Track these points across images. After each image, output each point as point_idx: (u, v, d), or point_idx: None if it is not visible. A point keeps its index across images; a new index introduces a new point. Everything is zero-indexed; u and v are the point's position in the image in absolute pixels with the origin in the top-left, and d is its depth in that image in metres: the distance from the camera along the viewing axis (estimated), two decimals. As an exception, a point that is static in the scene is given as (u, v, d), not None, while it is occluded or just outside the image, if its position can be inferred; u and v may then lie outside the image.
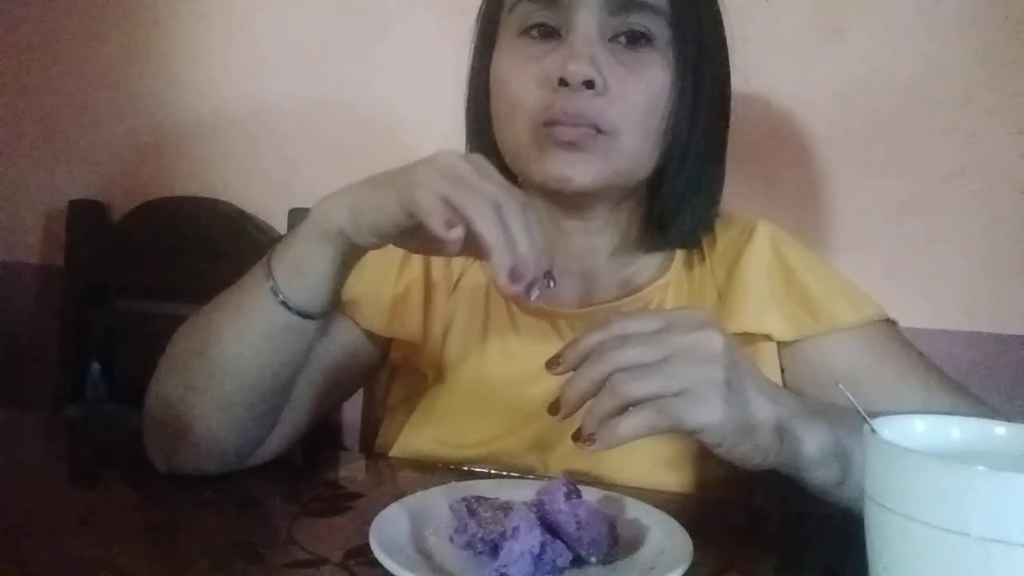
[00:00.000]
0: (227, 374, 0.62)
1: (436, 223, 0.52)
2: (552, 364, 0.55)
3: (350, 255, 0.60)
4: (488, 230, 0.51)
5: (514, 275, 0.51)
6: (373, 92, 1.27)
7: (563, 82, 0.65)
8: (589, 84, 0.65)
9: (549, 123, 0.66)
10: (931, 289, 1.05)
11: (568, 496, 0.52)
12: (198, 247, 1.29)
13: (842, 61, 1.06)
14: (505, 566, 0.47)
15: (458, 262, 0.79)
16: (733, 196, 0.77)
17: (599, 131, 0.66)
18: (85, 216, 1.37)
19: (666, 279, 0.75)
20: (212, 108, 1.36)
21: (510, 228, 0.52)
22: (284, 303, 0.60)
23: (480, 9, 0.76)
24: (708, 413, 0.51)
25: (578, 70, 0.64)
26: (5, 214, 1.47)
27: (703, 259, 0.77)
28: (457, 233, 0.52)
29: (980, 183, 1.03)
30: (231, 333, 0.62)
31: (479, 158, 0.57)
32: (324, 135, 1.30)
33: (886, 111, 1.05)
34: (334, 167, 1.30)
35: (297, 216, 1.24)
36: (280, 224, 1.27)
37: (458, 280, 0.78)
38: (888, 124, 1.05)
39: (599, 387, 0.51)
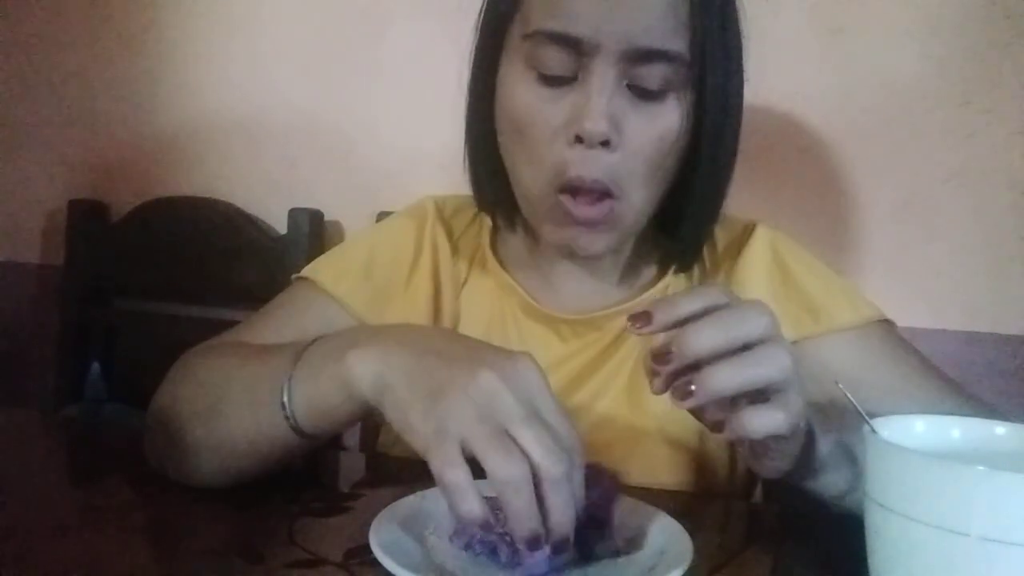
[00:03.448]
0: (231, 460, 0.60)
1: (465, 514, 0.45)
2: (638, 320, 0.49)
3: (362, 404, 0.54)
4: (516, 515, 0.45)
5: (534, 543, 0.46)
6: (373, 92, 1.27)
7: (579, 138, 0.63)
8: (605, 143, 0.63)
9: (564, 190, 0.65)
10: (931, 289, 1.05)
11: (606, 489, 0.52)
12: (198, 247, 1.29)
13: (842, 61, 1.06)
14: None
15: (465, 260, 0.79)
16: (732, 196, 0.77)
17: (610, 194, 0.65)
18: (85, 216, 1.37)
19: (665, 282, 0.76)
20: (212, 108, 1.36)
21: (545, 502, 0.45)
22: (304, 435, 0.57)
23: (481, 16, 0.71)
24: (797, 407, 0.49)
25: (595, 129, 0.62)
26: (5, 214, 1.47)
27: (702, 261, 0.77)
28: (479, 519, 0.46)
29: (980, 183, 1.03)
30: (240, 439, 0.59)
31: (536, 378, 0.49)
32: (324, 135, 1.30)
33: (886, 111, 1.05)
34: (334, 167, 1.30)
35: (297, 216, 1.24)
36: (280, 224, 1.27)
37: (465, 281, 0.79)
38: (888, 124, 1.05)
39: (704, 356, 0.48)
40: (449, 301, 0.77)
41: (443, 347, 0.51)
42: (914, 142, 1.05)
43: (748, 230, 0.76)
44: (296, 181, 1.31)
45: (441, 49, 1.15)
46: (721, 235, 0.77)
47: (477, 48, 0.72)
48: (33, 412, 1.07)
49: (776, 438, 0.49)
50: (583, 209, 0.64)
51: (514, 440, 0.45)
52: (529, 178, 0.67)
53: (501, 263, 0.78)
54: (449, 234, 0.80)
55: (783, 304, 0.71)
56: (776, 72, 1.07)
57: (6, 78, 1.46)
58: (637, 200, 0.66)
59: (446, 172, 1.17)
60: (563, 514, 0.45)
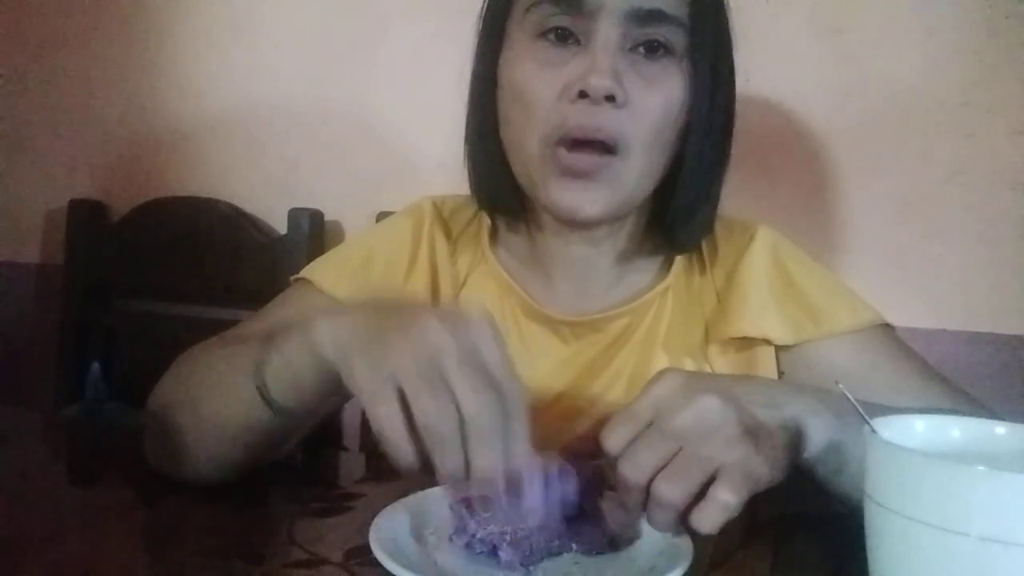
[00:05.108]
0: (216, 445, 0.60)
1: (393, 455, 0.46)
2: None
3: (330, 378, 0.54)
4: (436, 454, 0.45)
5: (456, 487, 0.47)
6: (373, 92, 1.27)
7: (583, 94, 0.63)
8: (610, 98, 0.63)
9: (562, 143, 0.65)
10: (931, 289, 1.05)
11: (588, 483, 0.53)
12: (198, 247, 1.29)
13: (842, 61, 1.06)
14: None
15: (464, 263, 0.79)
16: (732, 196, 0.77)
17: (611, 151, 0.65)
18: (85, 216, 1.37)
19: (665, 284, 0.75)
20: (212, 108, 1.36)
21: (467, 445, 0.45)
22: (276, 408, 0.57)
23: (484, 7, 0.74)
24: (758, 469, 0.50)
25: (600, 84, 0.63)
26: (5, 214, 1.47)
27: (703, 263, 0.77)
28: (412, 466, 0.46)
29: (980, 183, 1.03)
30: (219, 419, 0.59)
31: (484, 331, 0.48)
32: (324, 135, 1.30)
33: (886, 111, 1.05)
34: (334, 167, 1.30)
35: (297, 216, 1.24)
36: (280, 224, 1.27)
37: (464, 282, 0.78)
38: (888, 124, 1.05)
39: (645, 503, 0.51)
40: (448, 301, 0.77)
41: (404, 308, 0.51)
42: (914, 142, 1.05)
43: (749, 233, 0.75)
44: (296, 181, 1.31)
45: (441, 49, 1.15)
46: (722, 238, 0.77)
47: (480, 36, 0.73)
48: (33, 412, 1.07)
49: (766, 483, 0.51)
50: (578, 158, 0.65)
51: (448, 385, 0.45)
52: (528, 139, 0.67)
53: (501, 263, 0.78)
54: (447, 234, 0.80)
55: (783, 307, 0.71)
56: (776, 72, 1.07)
57: (6, 78, 1.46)
58: (638, 163, 0.66)
59: (446, 172, 1.17)
60: (485, 459, 0.45)
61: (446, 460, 0.45)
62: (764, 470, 0.51)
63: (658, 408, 0.52)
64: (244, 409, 0.57)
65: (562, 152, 0.65)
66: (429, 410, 0.44)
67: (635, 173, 0.67)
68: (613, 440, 0.52)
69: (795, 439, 0.54)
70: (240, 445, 0.60)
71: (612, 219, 0.71)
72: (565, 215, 0.68)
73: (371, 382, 0.46)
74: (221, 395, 0.59)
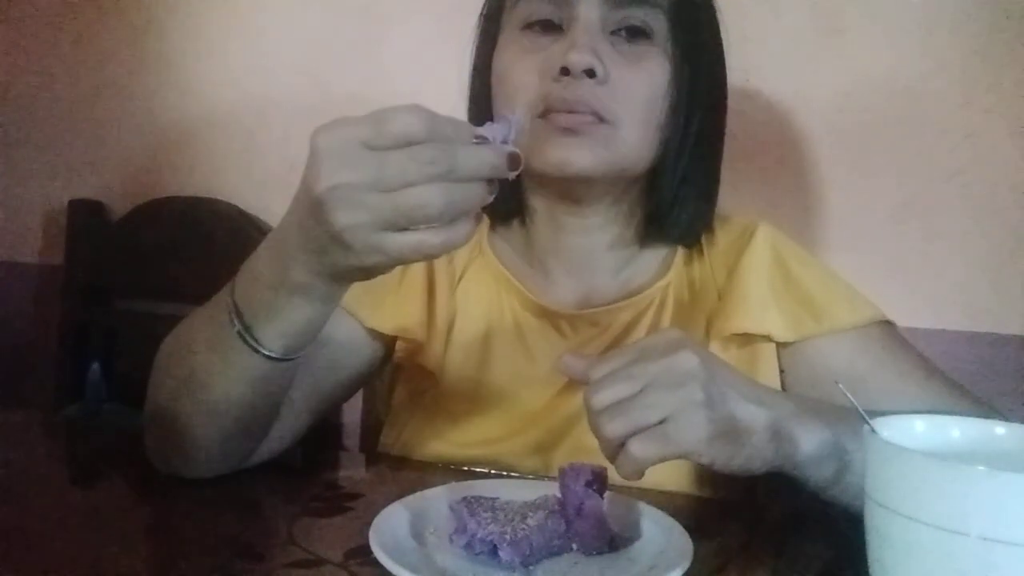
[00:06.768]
0: (213, 410, 0.60)
1: (430, 254, 0.51)
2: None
3: (331, 295, 0.56)
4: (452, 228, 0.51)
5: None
6: (374, 92, 1.27)
7: (565, 71, 0.65)
8: (590, 73, 0.65)
9: (546, 112, 0.67)
10: (931, 289, 1.05)
11: (589, 484, 0.53)
12: (198, 247, 1.29)
13: (842, 61, 1.06)
14: None
15: (461, 258, 0.79)
16: (732, 195, 0.77)
17: (601, 120, 0.66)
18: (85, 216, 1.37)
19: (666, 280, 0.76)
20: (212, 108, 1.36)
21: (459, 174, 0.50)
22: (266, 356, 0.57)
23: (483, 9, 0.77)
24: (693, 436, 0.51)
25: (579, 59, 0.65)
26: (5, 214, 1.47)
27: (703, 260, 0.77)
28: (467, 228, 0.51)
29: (980, 183, 1.03)
30: (212, 380, 0.59)
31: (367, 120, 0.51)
32: (324, 135, 1.30)
33: (886, 111, 1.05)
34: (334, 167, 1.29)
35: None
36: (280, 224, 1.27)
37: (461, 277, 0.79)
38: (888, 124, 1.05)
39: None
40: (444, 297, 0.77)
41: None
42: (914, 142, 1.05)
43: (750, 231, 0.76)
44: (296, 181, 1.30)
45: (441, 49, 1.15)
46: (722, 235, 0.77)
47: (477, 40, 0.76)
48: (33, 412, 1.07)
49: (696, 456, 0.51)
50: (565, 117, 0.66)
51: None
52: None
53: (498, 258, 0.78)
54: None
55: (784, 304, 0.71)
56: (776, 72, 1.07)
57: (6, 78, 1.46)
58: (630, 134, 0.68)
59: (446, 172, 1.17)
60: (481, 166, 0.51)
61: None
62: (700, 446, 0.51)
63: (642, 352, 0.53)
64: (236, 367, 0.58)
65: (548, 116, 0.66)
66: (406, 202, 0.49)
67: (624, 141, 0.68)
68: (597, 370, 0.53)
69: (779, 441, 0.55)
70: (243, 412, 0.60)
71: (603, 182, 0.70)
72: (556, 169, 0.67)
73: (351, 255, 0.52)
74: (212, 363, 0.59)
